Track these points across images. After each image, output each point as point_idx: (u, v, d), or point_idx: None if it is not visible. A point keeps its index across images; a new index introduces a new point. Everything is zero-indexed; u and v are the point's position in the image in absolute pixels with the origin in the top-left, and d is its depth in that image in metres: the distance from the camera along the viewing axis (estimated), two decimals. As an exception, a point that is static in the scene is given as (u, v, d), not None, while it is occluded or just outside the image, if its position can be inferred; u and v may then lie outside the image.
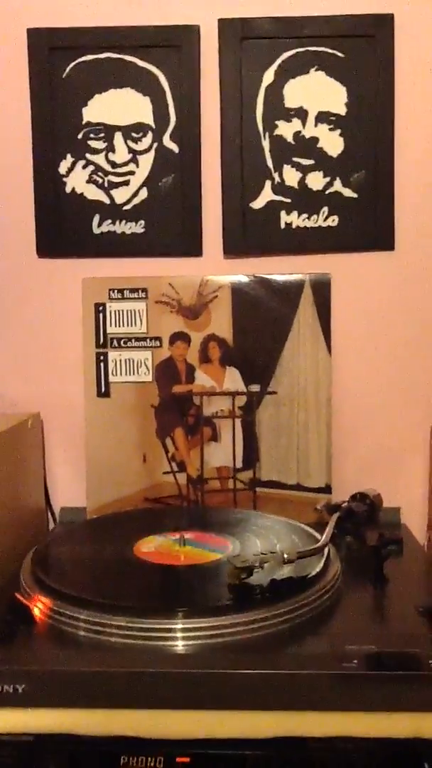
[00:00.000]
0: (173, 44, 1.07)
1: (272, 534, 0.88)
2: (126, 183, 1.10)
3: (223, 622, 0.67)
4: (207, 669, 0.63)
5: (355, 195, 1.08)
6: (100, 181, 1.10)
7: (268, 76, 1.07)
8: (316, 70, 1.06)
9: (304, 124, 1.07)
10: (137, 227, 1.10)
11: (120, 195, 1.10)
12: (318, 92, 1.07)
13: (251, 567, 0.72)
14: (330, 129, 1.07)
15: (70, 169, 1.09)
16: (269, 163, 1.08)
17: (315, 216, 1.08)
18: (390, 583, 0.80)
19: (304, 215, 1.09)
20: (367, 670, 0.62)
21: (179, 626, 0.67)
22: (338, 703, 0.62)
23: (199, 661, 0.64)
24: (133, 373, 1.08)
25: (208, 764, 0.62)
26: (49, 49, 1.07)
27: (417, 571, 0.87)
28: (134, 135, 1.09)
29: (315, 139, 1.08)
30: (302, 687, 0.62)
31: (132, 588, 0.76)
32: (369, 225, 1.08)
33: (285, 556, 0.74)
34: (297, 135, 1.08)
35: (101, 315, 1.08)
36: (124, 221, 1.10)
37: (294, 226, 1.09)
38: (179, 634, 0.67)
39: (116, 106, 1.08)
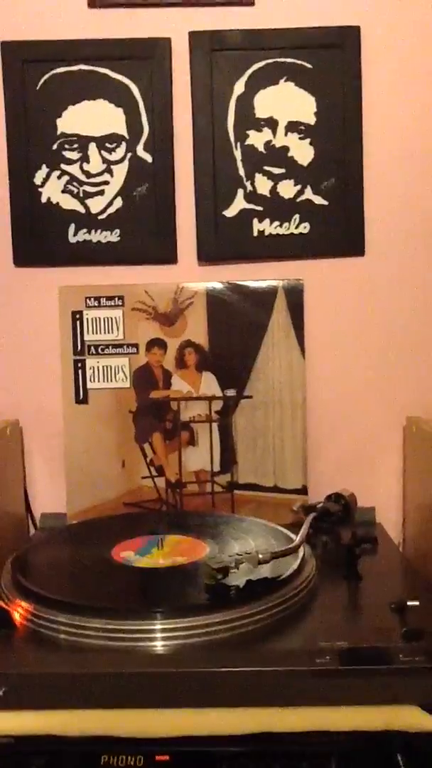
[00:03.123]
0: (145, 56, 1.08)
1: (249, 536, 0.90)
2: (101, 193, 1.11)
3: (200, 622, 0.69)
4: (185, 668, 0.64)
5: (325, 202, 1.10)
6: (75, 191, 1.11)
7: (239, 87, 1.09)
8: (286, 80, 1.09)
9: (274, 133, 1.10)
10: (112, 236, 1.12)
11: (95, 204, 1.11)
12: (288, 102, 1.09)
13: (227, 568, 0.74)
14: (300, 138, 1.10)
15: (46, 180, 1.11)
16: (241, 172, 1.10)
17: (287, 223, 1.11)
18: (364, 581, 0.82)
19: (276, 223, 1.11)
20: (339, 666, 0.64)
21: (157, 627, 0.68)
22: (313, 698, 0.63)
23: (177, 660, 0.66)
24: (111, 380, 1.10)
25: (187, 761, 0.63)
26: (23, 61, 1.08)
27: (390, 569, 0.89)
28: (108, 145, 1.10)
29: (285, 148, 1.10)
30: (277, 683, 0.63)
31: (111, 591, 0.77)
32: (339, 231, 1.11)
33: (260, 556, 0.76)
34: (268, 144, 1.10)
35: (78, 322, 1.10)
36: (99, 230, 1.12)
37: (266, 233, 1.11)
38: (157, 635, 0.68)
39: (90, 117, 1.10)
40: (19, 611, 0.73)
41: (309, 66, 1.08)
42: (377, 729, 0.63)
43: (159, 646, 0.67)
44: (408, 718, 0.63)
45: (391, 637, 0.68)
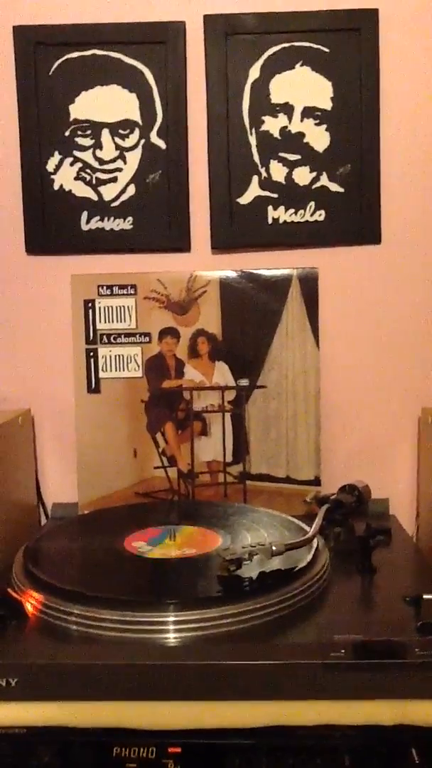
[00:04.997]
0: (159, 40, 1.07)
1: (262, 526, 0.89)
2: (114, 180, 1.10)
3: (213, 614, 0.68)
4: (197, 660, 0.64)
5: (341, 189, 1.09)
6: (88, 178, 1.10)
7: (254, 72, 1.07)
8: (302, 65, 1.07)
9: (290, 119, 1.08)
10: (125, 224, 1.11)
11: (108, 192, 1.10)
12: (304, 87, 1.07)
13: (240, 559, 0.73)
14: (316, 124, 1.08)
15: (58, 167, 1.10)
16: (256, 158, 1.09)
17: (302, 211, 1.09)
18: (378, 573, 0.82)
19: (291, 210, 1.09)
20: (354, 659, 0.63)
21: (170, 619, 0.68)
22: (326, 691, 0.63)
23: (189, 652, 0.65)
24: (123, 369, 1.09)
25: (199, 753, 0.63)
26: (36, 46, 1.07)
27: (405, 561, 0.88)
28: (121, 132, 1.09)
29: (301, 134, 1.08)
30: (291, 677, 0.63)
31: (123, 582, 0.77)
32: (355, 219, 1.09)
33: (273, 548, 0.75)
34: (283, 130, 1.08)
35: (91, 311, 1.09)
36: (112, 218, 1.11)
37: (281, 221, 1.10)
38: (170, 627, 0.68)
39: (103, 102, 1.09)
40: (31, 601, 0.73)
41: (326, 50, 1.07)
42: (391, 723, 0.62)
43: (171, 638, 0.67)
44: (422, 712, 0.63)
45: (406, 630, 0.67)
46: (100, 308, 1.09)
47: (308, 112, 1.08)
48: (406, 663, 0.63)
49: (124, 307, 1.09)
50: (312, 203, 1.09)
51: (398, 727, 0.62)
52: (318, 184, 1.09)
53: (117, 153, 1.09)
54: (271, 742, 0.63)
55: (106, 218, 1.10)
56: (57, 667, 0.64)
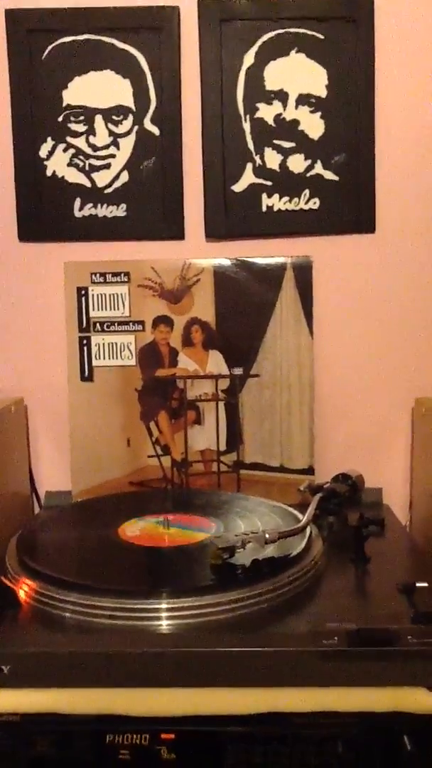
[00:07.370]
0: (153, 26, 1.06)
1: (255, 515, 0.90)
2: (107, 166, 1.09)
3: (206, 601, 0.68)
4: (191, 648, 0.64)
5: (336, 178, 1.08)
6: (81, 164, 1.09)
7: (249, 59, 1.06)
8: (297, 52, 1.06)
9: (284, 106, 1.07)
10: (119, 211, 1.10)
11: (101, 178, 1.10)
12: (298, 74, 1.07)
13: (233, 547, 0.73)
14: (311, 111, 1.07)
15: (51, 153, 1.09)
16: (250, 145, 1.08)
17: (296, 199, 1.09)
18: (371, 562, 0.82)
19: (286, 198, 1.09)
20: (347, 647, 0.63)
21: (163, 606, 0.68)
22: (319, 679, 0.63)
23: (183, 640, 0.65)
24: (116, 357, 1.09)
25: (192, 740, 0.63)
26: (28, 30, 1.06)
27: (398, 550, 0.88)
28: (115, 118, 1.08)
29: (296, 122, 1.08)
30: (284, 664, 0.63)
31: (117, 570, 0.77)
32: (350, 208, 1.09)
33: (266, 536, 0.75)
34: (278, 117, 1.08)
35: (84, 299, 1.08)
36: (105, 205, 1.10)
37: (275, 209, 1.09)
38: (163, 614, 0.68)
39: (96, 88, 1.08)
40: (24, 589, 0.73)
41: (321, 37, 1.06)
42: (384, 710, 0.63)
43: (164, 625, 0.67)
44: (415, 699, 0.63)
45: (399, 618, 0.67)
46: (93, 296, 1.08)
47: (303, 100, 1.07)
48: (399, 651, 0.63)
49: (117, 294, 1.08)
50: (306, 191, 1.08)
51: (391, 715, 0.62)
52: (312, 172, 1.08)
53: (110, 139, 1.09)
54: (265, 729, 0.63)
55: (99, 205, 1.10)
56: (50, 655, 0.64)
